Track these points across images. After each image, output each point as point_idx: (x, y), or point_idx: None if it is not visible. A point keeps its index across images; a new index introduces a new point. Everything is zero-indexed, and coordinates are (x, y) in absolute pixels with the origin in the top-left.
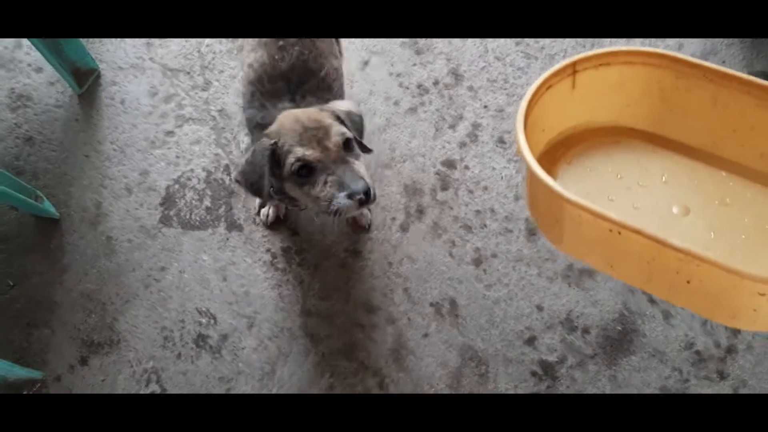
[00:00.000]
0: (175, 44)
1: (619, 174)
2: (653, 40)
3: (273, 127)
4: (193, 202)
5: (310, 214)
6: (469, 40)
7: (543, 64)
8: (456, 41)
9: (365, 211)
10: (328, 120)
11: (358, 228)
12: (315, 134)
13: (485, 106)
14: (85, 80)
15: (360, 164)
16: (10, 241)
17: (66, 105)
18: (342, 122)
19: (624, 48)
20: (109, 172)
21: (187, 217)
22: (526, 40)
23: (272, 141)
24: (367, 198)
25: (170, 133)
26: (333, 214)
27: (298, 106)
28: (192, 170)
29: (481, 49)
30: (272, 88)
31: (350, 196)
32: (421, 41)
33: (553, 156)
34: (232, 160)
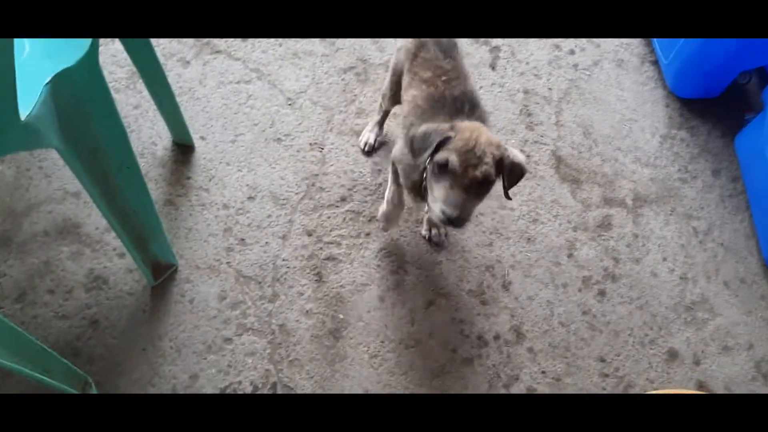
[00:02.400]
0: (254, 253)
1: None
2: None
3: (458, 124)
4: None
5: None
6: (536, 301)
7: (606, 339)
8: (523, 299)
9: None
10: (488, 160)
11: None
12: (472, 158)
13: (543, 372)
14: (162, 273)
15: (474, 201)
16: None
17: (138, 294)
18: (501, 168)
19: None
20: (160, 371)
21: None
22: (593, 310)
23: (449, 133)
24: (449, 222)
25: (228, 340)
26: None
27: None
28: (240, 382)
29: (546, 311)
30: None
31: (442, 212)
32: (489, 292)
33: None
34: (281, 379)
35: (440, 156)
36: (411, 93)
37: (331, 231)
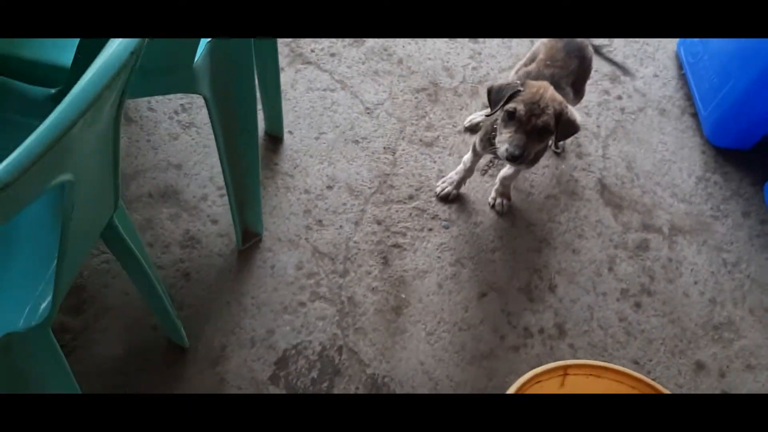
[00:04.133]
0: (330, 233)
1: None
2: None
3: (529, 81)
4: (303, 370)
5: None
6: (578, 304)
7: (640, 344)
8: (566, 301)
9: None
10: (550, 111)
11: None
12: (536, 109)
13: None
14: (249, 240)
15: (534, 144)
16: (137, 356)
17: (226, 256)
18: (558, 121)
19: (617, 367)
20: (242, 323)
21: (294, 382)
22: (629, 318)
23: (519, 87)
24: (511, 158)
25: (302, 304)
26: (495, 156)
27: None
28: (310, 341)
29: (587, 314)
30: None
31: (506, 150)
32: (536, 291)
33: None
34: (346, 343)
35: (510, 105)
36: (526, 67)
37: (398, 222)
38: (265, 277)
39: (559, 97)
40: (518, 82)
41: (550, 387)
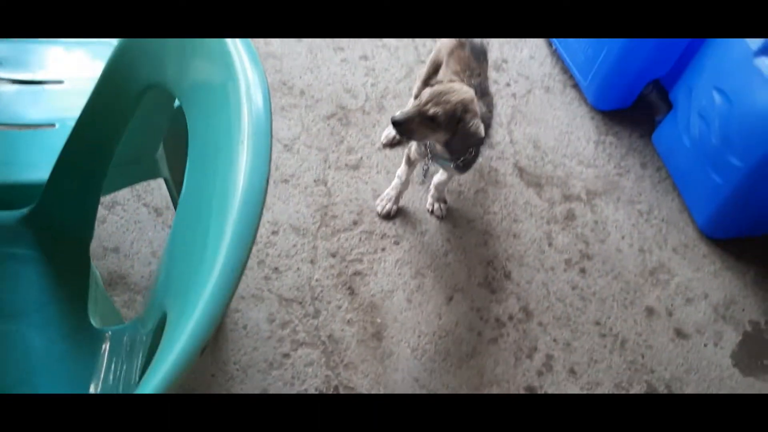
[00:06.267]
0: (289, 278)
1: None
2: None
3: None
4: None
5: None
6: (533, 284)
7: (596, 306)
8: (523, 284)
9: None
10: (445, 108)
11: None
12: (437, 98)
13: (554, 340)
14: None
15: (418, 127)
16: None
17: None
18: (450, 122)
19: None
20: (232, 391)
21: None
22: (580, 285)
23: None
24: (393, 123)
25: (286, 355)
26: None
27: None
28: (306, 389)
29: (544, 291)
30: None
31: (392, 117)
32: (495, 282)
33: None
34: (341, 381)
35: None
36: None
37: (351, 250)
38: (241, 339)
39: (470, 105)
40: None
41: None
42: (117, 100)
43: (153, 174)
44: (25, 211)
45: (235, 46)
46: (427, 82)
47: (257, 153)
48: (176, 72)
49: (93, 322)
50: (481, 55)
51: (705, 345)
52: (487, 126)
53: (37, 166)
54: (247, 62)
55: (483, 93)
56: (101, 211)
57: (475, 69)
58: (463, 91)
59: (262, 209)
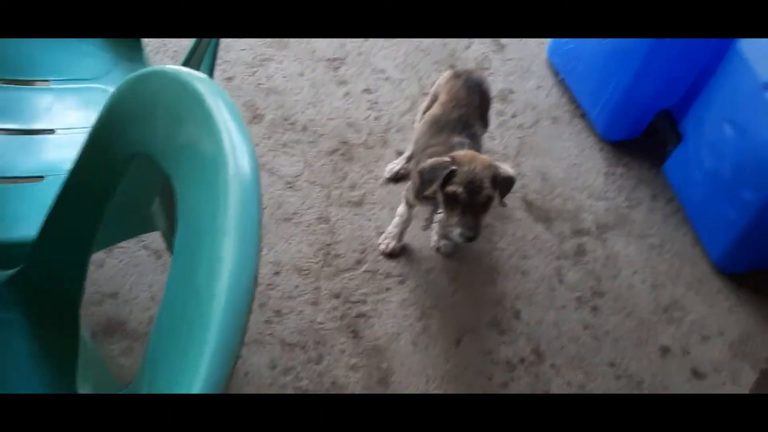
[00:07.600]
0: (292, 321)
1: None
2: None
3: (457, 157)
4: None
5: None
6: (544, 324)
7: (610, 346)
8: (533, 324)
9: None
10: (487, 184)
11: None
12: (475, 187)
13: (568, 383)
14: None
15: (482, 217)
16: None
17: None
18: (495, 185)
19: None
20: None
21: None
22: (592, 324)
23: (453, 167)
24: (468, 240)
25: None
26: (443, 237)
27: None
28: None
29: (555, 331)
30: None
31: (461, 235)
32: (504, 322)
33: None
34: None
35: (449, 189)
36: (432, 110)
37: (355, 291)
38: (243, 387)
39: (487, 161)
40: (447, 159)
41: None
42: (105, 163)
43: (148, 228)
44: (11, 272)
45: (223, 118)
46: (428, 109)
47: (243, 249)
48: (164, 142)
49: (82, 390)
50: (473, 86)
51: (723, 384)
52: None
53: (25, 221)
54: (236, 136)
55: (465, 126)
56: (99, 255)
57: (462, 100)
58: (470, 158)
59: (248, 315)
